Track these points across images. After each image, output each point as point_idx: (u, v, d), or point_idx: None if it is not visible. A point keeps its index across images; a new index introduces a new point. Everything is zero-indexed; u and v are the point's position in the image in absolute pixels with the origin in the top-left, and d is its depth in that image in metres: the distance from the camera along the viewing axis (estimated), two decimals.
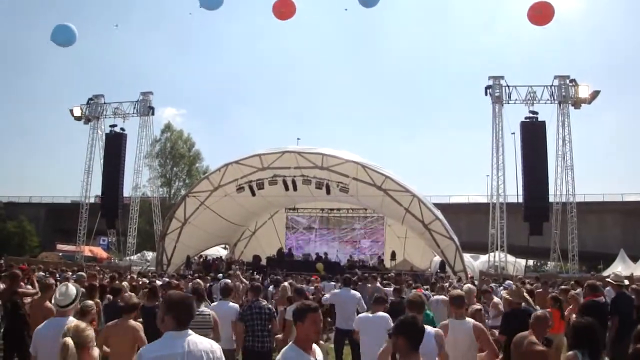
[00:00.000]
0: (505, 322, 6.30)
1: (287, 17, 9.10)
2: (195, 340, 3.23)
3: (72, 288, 4.90)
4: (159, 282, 12.70)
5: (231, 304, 7.10)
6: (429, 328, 4.96)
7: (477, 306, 7.38)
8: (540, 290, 11.55)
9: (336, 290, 9.95)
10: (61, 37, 10.03)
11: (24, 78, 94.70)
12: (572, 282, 15.04)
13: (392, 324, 6.02)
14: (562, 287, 11.32)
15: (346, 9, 11.49)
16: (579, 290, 11.76)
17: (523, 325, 6.57)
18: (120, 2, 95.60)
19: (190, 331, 3.25)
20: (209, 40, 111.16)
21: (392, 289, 10.93)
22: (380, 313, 6.59)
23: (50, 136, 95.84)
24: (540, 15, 8.84)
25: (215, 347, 3.31)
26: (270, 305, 7.12)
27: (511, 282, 14.83)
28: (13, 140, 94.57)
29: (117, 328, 5.55)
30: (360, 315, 6.81)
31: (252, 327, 6.59)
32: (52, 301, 4.79)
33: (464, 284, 13.78)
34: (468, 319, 5.49)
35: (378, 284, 14.02)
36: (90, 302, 6.44)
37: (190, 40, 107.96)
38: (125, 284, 11.11)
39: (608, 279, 9.43)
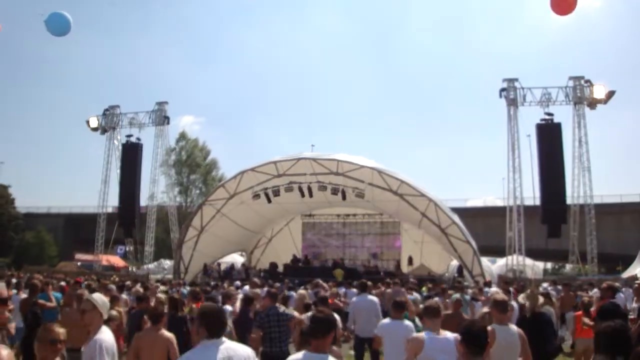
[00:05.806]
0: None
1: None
2: (233, 347, 3.34)
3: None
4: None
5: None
6: (448, 334, 4.95)
7: (485, 309, 7.31)
8: (563, 294, 11.40)
9: (354, 299, 9.82)
10: (56, 26, 9.81)
11: (41, 89, 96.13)
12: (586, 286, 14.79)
13: (413, 332, 6.03)
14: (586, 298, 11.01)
15: None
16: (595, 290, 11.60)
17: (544, 331, 6.47)
18: (138, 12, 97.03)
19: (225, 339, 3.36)
20: (227, 49, 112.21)
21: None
22: (403, 320, 6.49)
23: (68, 147, 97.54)
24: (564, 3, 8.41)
25: (251, 354, 3.44)
26: (288, 311, 7.13)
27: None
28: (31, 151, 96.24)
29: (148, 338, 5.35)
30: (382, 321, 6.72)
31: (270, 334, 6.59)
32: (105, 313, 4.60)
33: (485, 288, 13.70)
34: (512, 325, 5.37)
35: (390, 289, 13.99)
36: (114, 312, 6.57)
37: (209, 48, 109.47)
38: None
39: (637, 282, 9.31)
